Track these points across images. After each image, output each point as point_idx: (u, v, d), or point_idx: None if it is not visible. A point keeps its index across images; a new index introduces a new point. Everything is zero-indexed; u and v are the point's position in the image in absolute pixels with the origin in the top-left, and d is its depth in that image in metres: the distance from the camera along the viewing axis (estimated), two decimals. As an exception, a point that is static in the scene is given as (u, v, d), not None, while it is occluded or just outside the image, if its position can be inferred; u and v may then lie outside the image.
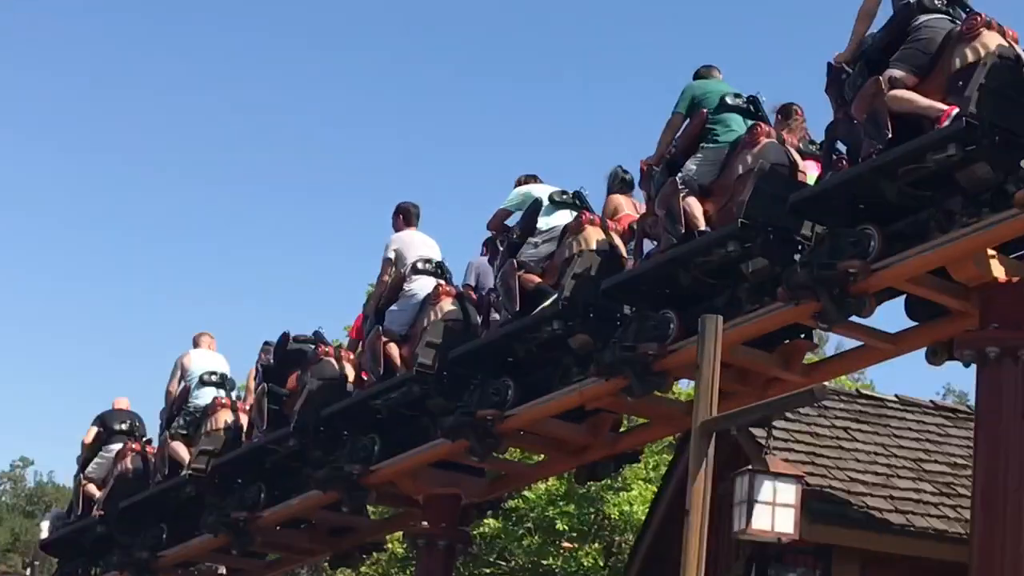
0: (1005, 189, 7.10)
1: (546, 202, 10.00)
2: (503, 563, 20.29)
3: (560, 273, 9.49)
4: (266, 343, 13.20)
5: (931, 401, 12.52)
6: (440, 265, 11.20)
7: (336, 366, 11.92)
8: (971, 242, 7.18)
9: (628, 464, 12.08)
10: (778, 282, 8.01)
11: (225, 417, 13.24)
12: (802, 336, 8.91)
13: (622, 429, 11.09)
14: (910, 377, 53.09)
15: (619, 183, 10.13)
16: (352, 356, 11.88)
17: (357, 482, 11.02)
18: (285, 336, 12.84)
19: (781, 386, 8.73)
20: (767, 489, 6.34)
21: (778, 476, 6.39)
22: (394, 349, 10.93)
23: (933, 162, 7.17)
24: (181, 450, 13.55)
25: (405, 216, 11.53)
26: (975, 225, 7.15)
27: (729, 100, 8.77)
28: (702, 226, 8.47)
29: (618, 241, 9.53)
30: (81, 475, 15.60)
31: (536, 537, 19.40)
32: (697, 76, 9.21)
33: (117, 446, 14.98)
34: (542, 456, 11.78)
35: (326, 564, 15.05)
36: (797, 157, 8.45)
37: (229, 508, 12.73)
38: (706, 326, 6.73)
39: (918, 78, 7.54)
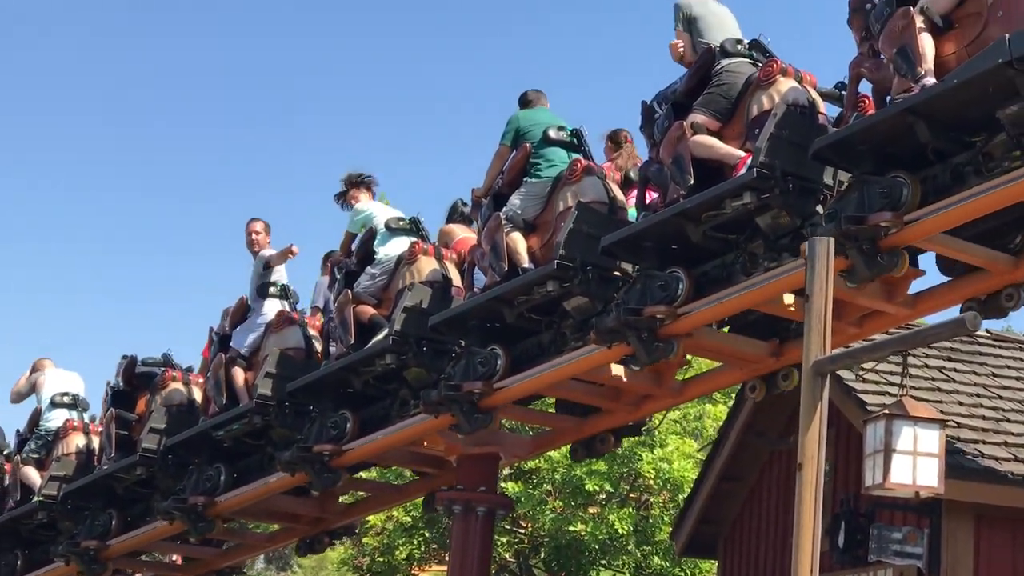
0: (802, 233, 7.83)
1: (382, 229, 10.62)
2: (521, 530, 19.96)
3: (394, 304, 10.14)
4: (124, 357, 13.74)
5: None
6: (285, 288, 11.79)
7: (184, 391, 12.53)
8: (768, 288, 7.91)
9: (630, 436, 11.48)
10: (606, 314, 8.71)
11: (77, 441, 13.81)
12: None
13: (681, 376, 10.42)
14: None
15: (457, 215, 10.77)
16: (202, 380, 12.46)
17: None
18: (132, 359, 13.38)
19: (879, 320, 8.50)
20: (907, 436, 5.88)
21: (919, 421, 5.92)
22: (239, 375, 11.53)
23: (731, 208, 7.89)
24: (33, 474, 14.08)
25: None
26: (772, 272, 7.89)
27: (552, 133, 9.43)
28: (525, 263, 9.16)
29: (452, 271, 10.20)
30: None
31: (560, 500, 19.06)
32: (524, 103, 9.86)
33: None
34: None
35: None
36: (617, 192, 9.15)
37: (80, 536, 13.30)
38: (816, 248, 6.19)
39: (720, 123, 8.26)
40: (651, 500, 19.78)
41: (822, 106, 8.12)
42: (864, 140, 7.40)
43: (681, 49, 8.60)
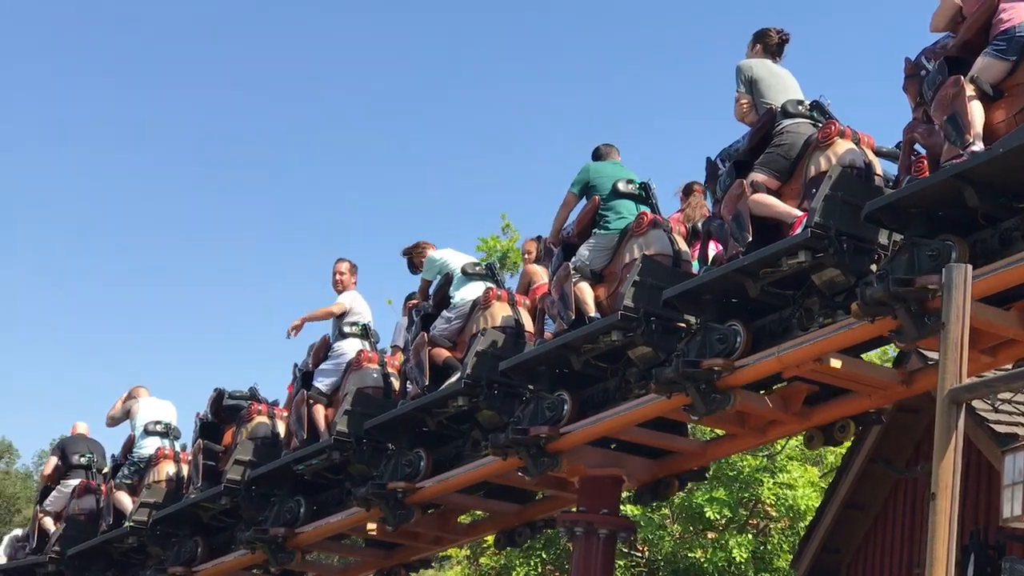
0: (855, 292, 8.16)
1: (458, 274, 11.11)
2: (638, 554, 19.97)
3: (468, 348, 10.60)
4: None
5: None
6: (366, 328, 12.32)
7: (269, 424, 13.11)
8: (817, 346, 8.24)
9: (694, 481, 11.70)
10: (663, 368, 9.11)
11: (167, 469, 14.49)
12: None
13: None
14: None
15: (545, 254, 11.21)
16: (286, 414, 13.04)
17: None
18: (220, 392, 14.01)
19: (1014, 349, 8.47)
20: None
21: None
22: (319, 412, 12.08)
23: (787, 266, 8.25)
24: (125, 500, 14.80)
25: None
26: (822, 330, 8.24)
27: (622, 186, 9.86)
28: (592, 312, 9.58)
29: (525, 317, 10.65)
30: (38, 507, 16.97)
31: (678, 525, 19.05)
32: (596, 156, 10.31)
33: (75, 481, 16.26)
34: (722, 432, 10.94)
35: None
36: (682, 244, 9.55)
37: (167, 563, 13.95)
38: (952, 276, 6.18)
39: (779, 182, 8.63)
40: (771, 527, 19.69)
41: (879, 167, 8.45)
42: (915, 203, 7.73)
43: (744, 108, 8.96)
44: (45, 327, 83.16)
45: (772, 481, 18.45)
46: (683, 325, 9.28)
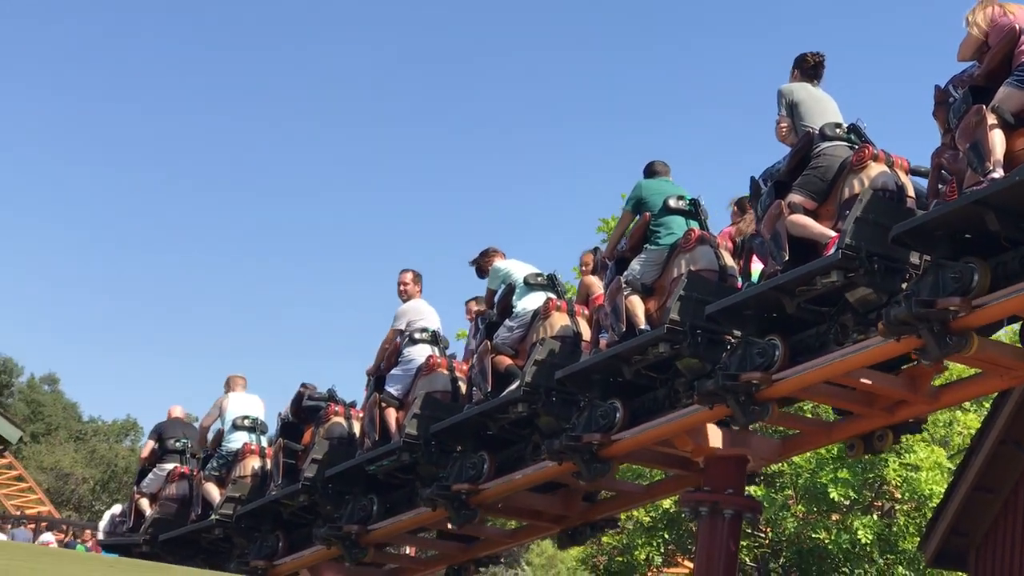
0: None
1: (521, 284, 11.68)
2: (761, 535, 19.85)
3: (528, 356, 11.17)
4: None
5: None
6: (435, 334, 12.94)
7: (345, 425, 13.78)
8: (854, 360, 8.70)
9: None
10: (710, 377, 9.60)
11: (253, 464, 15.23)
12: None
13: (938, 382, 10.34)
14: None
15: (600, 267, 11.74)
16: (362, 415, 13.69)
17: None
18: (300, 393, 14.72)
19: None
20: None
21: None
22: (391, 415, 12.73)
23: (821, 285, 8.71)
24: (213, 491, 15.58)
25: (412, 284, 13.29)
26: (856, 345, 8.69)
27: (672, 203, 10.35)
28: (642, 324, 10.10)
29: (583, 326, 11.18)
30: (136, 488, 17.87)
31: (802, 506, 18.94)
32: (649, 172, 10.81)
33: (170, 465, 17.03)
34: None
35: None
36: (728, 260, 10.03)
37: (250, 556, 14.70)
38: None
39: (816, 203, 9.08)
40: (896, 509, 19.56)
41: (911, 189, 8.86)
42: (939, 227, 8.15)
43: (784, 130, 9.41)
44: (174, 312, 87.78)
45: (898, 462, 18.35)
46: (729, 338, 9.76)
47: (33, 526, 30.40)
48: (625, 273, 10.38)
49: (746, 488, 10.55)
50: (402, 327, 12.90)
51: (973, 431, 14.21)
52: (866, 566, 19.22)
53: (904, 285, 8.65)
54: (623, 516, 19.19)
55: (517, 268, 11.96)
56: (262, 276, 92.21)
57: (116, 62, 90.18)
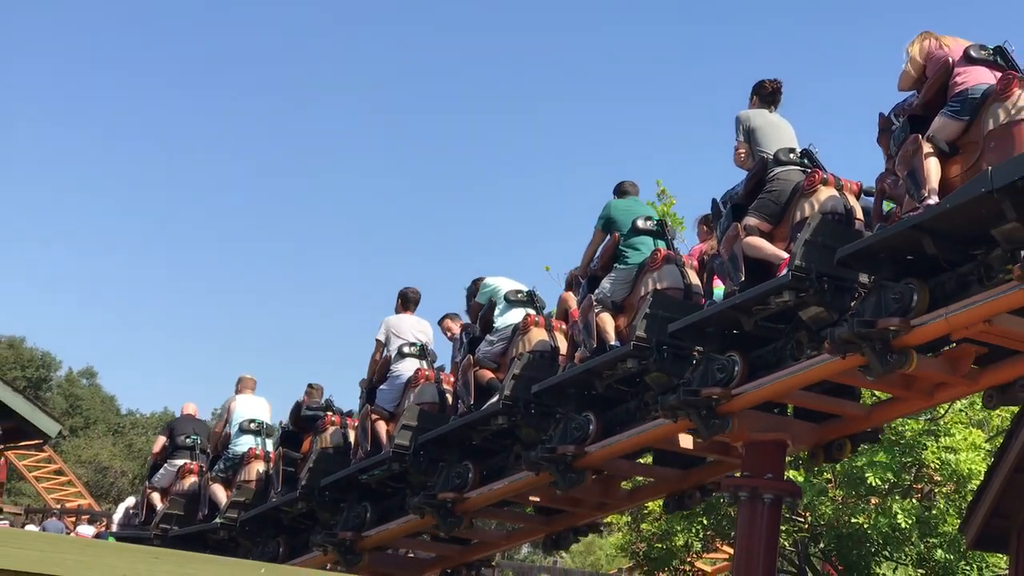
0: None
1: (502, 300, 12.15)
2: (800, 519, 19.60)
3: (508, 370, 11.65)
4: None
5: None
6: (423, 348, 13.43)
7: (341, 435, 14.30)
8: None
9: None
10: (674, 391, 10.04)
11: (257, 468, 15.75)
12: None
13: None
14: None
15: (574, 284, 12.22)
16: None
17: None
18: (299, 403, 15.24)
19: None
20: None
21: None
22: (382, 426, 13.24)
23: (775, 304, 9.16)
24: (220, 493, 16.10)
25: (403, 301, 13.80)
26: (809, 361, 9.13)
27: (640, 224, 10.81)
28: (612, 340, 10.57)
29: (561, 341, 11.65)
30: (147, 482, 18.41)
31: (840, 490, 18.72)
32: (619, 192, 11.26)
33: (180, 461, 17.57)
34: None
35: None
36: (693, 278, 10.48)
37: (253, 559, 15.22)
38: None
39: (771, 225, 9.53)
40: (935, 491, 19.41)
41: (859, 212, 9.30)
42: (881, 250, 8.59)
43: (742, 155, 9.86)
44: (212, 305, 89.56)
45: (936, 445, 18.19)
46: (695, 353, 10.21)
47: (74, 519, 31.11)
48: (596, 291, 10.85)
49: (785, 473, 10.53)
50: (381, 338, 13.40)
51: (1011, 412, 14.03)
52: (906, 549, 19.12)
53: (853, 303, 9.10)
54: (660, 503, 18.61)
55: (502, 285, 12.43)
56: (305, 270, 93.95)
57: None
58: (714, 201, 10.18)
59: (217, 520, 15.75)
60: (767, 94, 10.07)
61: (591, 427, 10.80)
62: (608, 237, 11.08)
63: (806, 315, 9.16)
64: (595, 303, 10.74)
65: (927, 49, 8.66)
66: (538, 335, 11.70)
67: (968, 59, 8.45)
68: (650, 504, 19.15)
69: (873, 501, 18.67)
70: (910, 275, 8.57)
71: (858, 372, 8.92)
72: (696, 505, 13.27)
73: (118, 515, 20.55)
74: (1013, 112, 8.03)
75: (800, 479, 17.64)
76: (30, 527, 28.20)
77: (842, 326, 8.59)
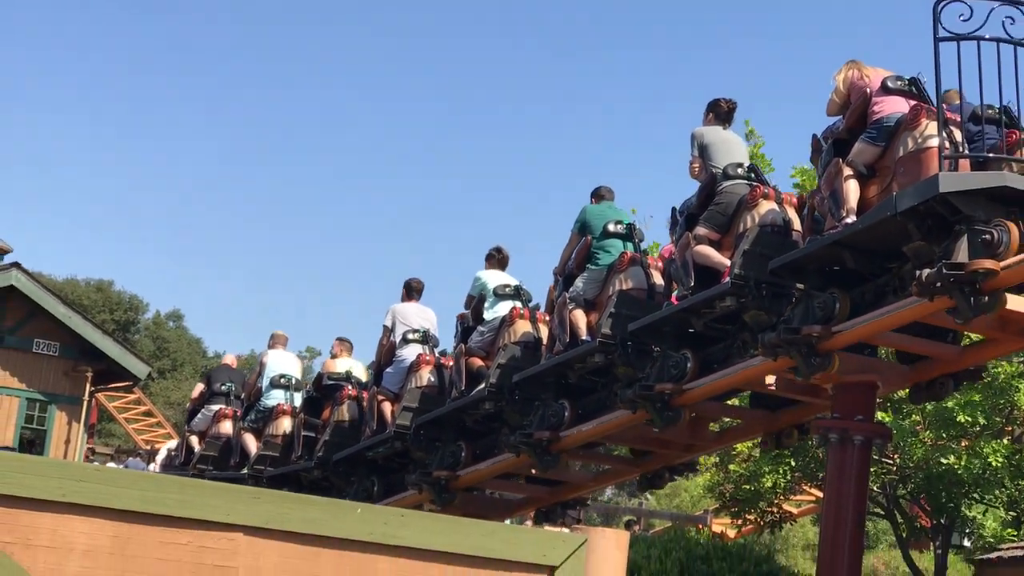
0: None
1: (491, 294, 13.06)
2: (888, 461, 19.27)
3: (495, 359, 12.57)
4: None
5: None
6: (426, 334, 14.37)
7: (356, 408, 15.25)
8: (747, 373, 10.00)
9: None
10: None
11: (284, 423, 16.63)
12: None
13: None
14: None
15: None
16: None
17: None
18: (321, 374, 16.23)
19: None
20: None
21: None
22: (387, 406, 14.21)
23: (719, 308, 9.99)
24: (251, 443, 17.08)
25: (407, 290, 14.73)
26: (750, 360, 9.98)
27: (610, 228, 11.66)
28: (583, 336, 11.44)
29: (544, 332, 12.54)
30: (187, 426, 19.59)
31: (930, 432, 18.36)
32: (596, 196, 12.10)
33: (216, 406, 18.67)
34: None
35: None
36: (657, 279, 11.32)
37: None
38: None
39: (719, 234, 10.34)
40: None
41: (797, 224, 10.08)
42: (807, 262, 9.40)
43: (696, 169, 10.67)
44: (298, 247, 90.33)
45: None
46: (656, 349, 11.07)
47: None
48: (570, 289, 11.73)
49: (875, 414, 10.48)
50: (388, 324, 14.35)
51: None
52: (996, 492, 18.95)
53: (789, 307, 9.91)
54: (749, 444, 19.02)
55: (491, 278, 13.33)
56: (393, 214, 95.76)
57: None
58: (673, 210, 11.00)
59: (244, 472, 16.64)
60: (723, 113, 10.85)
61: (565, 414, 11.71)
62: (582, 239, 11.92)
63: (748, 318, 9.99)
64: (569, 300, 11.60)
65: (850, 79, 9.42)
66: (523, 327, 12.58)
67: (885, 89, 9.21)
68: (739, 446, 19.26)
69: (964, 443, 18.23)
70: (835, 285, 9.38)
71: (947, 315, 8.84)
72: (793, 444, 13.28)
73: (161, 456, 21.74)
74: (920, 140, 8.80)
75: (888, 420, 17.14)
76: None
77: (771, 332, 9.42)
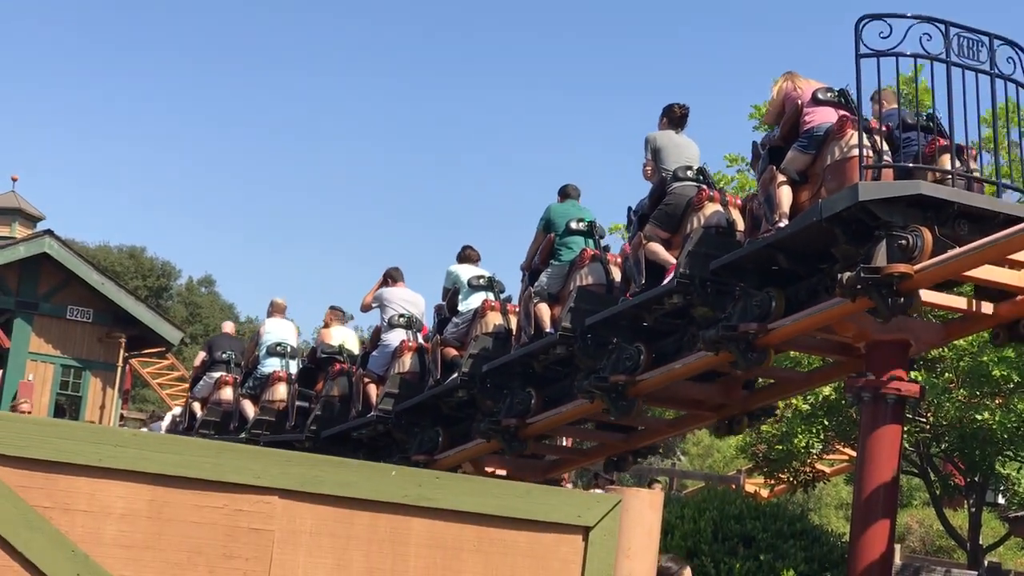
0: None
1: (465, 287, 13.61)
2: (921, 419, 18.90)
3: (467, 349, 13.13)
4: None
5: None
6: (410, 320, 14.94)
7: (346, 384, 15.75)
8: (695, 365, 10.50)
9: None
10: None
11: (280, 390, 17.16)
12: None
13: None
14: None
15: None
16: None
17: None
18: (315, 347, 16.80)
19: None
20: None
21: None
22: (372, 389, 14.79)
23: (667, 304, 10.53)
24: (248, 409, 17.64)
25: (393, 277, 15.27)
26: (697, 353, 10.52)
27: (573, 225, 12.18)
28: (547, 328, 11.99)
29: (514, 324, 13.09)
30: (190, 393, 20.25)
31: (964, 389, 18.01)
32: (561, 194, 12.63)
33: (217, 373, 19.28)
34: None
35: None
36: (616, 275, 11.84)
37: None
38: None
39: (669, 233, 10.86)
40: None
41: (741, 224, 10.59)
42: (744, 263, 9.93)
43: (649, 171, 11.17)
44: (330, 212, 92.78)
45: None
46: (612, 340, 11.61)
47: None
48: (535, 284, 12.27)
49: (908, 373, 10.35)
50: (373, 305, 14.95)
51: None
52: None
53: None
54: (781, 405, 18.42)
55: (464, 271, 13.88)
56: (425, 178, 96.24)
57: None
58: (629, 209, 11.52)
59: (242, 436, 17.08)
60: (676, 117, 11.35)
61: (532, 401, 12.31)
62: (547, 236, 12.45)
63: (696, 313, 10.53)
64: (534, 295, 12.15)
65: (784, 90, 9.92)
66: (494, 319, 13.14)
67: (816, 100, 9.71)
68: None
69: (997, 400, 17.83)
70: (772, 284, 9.91)
71: None
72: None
73: (166, 422, 22.37)
74: (845, 150, 9.31)
75: (921, 379, 16.51)
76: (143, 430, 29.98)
77: (711, 329, 9.96)
